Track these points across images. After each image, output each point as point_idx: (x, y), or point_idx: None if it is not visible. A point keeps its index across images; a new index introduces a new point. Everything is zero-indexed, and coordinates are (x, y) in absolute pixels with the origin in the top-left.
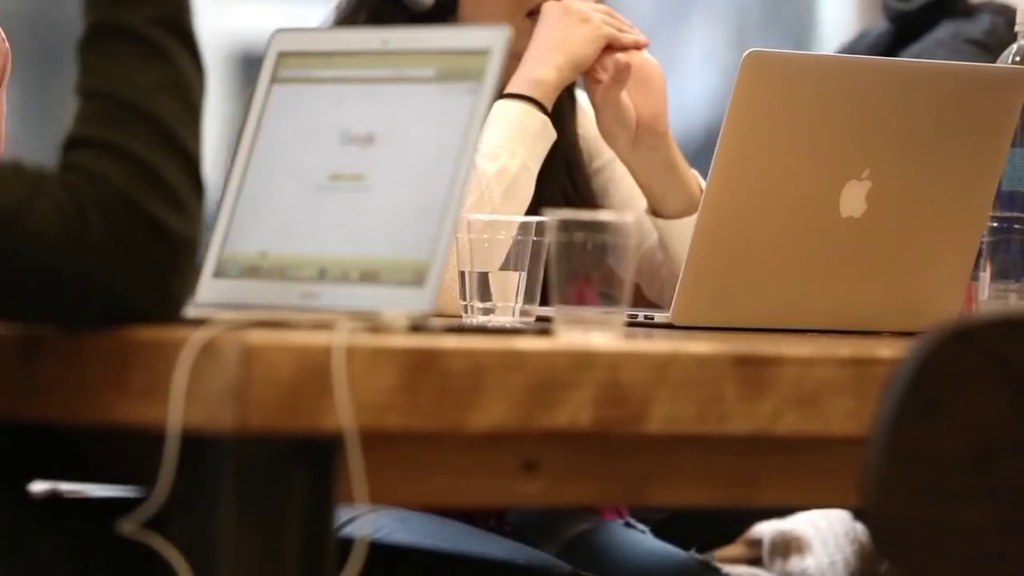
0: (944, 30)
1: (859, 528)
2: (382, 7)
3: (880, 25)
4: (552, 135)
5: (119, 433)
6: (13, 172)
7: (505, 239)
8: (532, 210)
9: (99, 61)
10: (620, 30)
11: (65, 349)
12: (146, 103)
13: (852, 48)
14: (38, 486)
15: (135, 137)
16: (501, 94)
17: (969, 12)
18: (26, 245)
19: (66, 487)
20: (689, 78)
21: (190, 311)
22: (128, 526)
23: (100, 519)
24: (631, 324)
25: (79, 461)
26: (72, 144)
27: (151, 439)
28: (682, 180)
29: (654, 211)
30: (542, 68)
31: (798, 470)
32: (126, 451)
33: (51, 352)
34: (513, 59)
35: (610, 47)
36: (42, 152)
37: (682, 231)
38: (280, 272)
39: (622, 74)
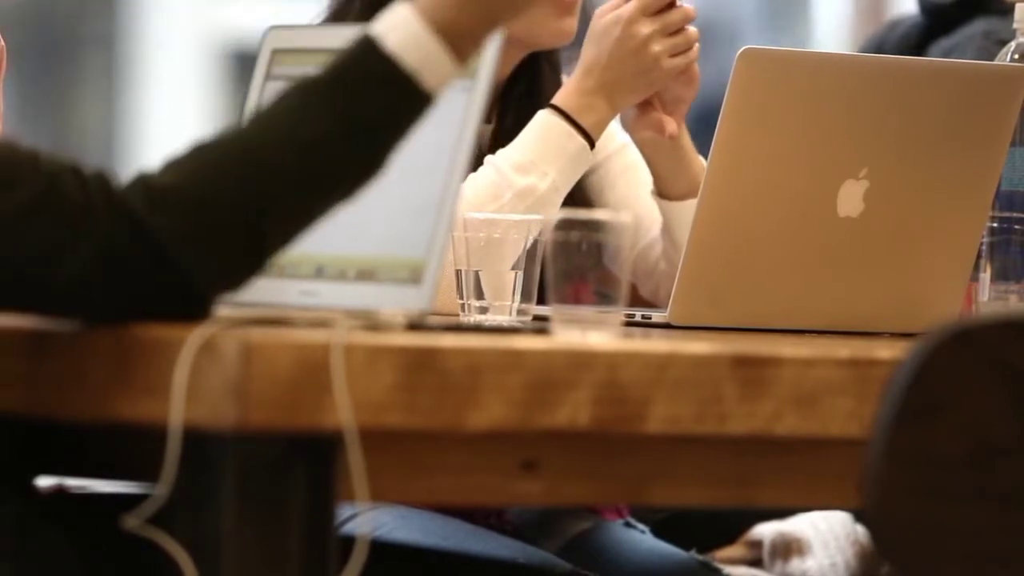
0: (977, 27)
1: (860, 529)
2: (375, 3)
3: (913, 16)
4: (588, 161)
5: (123, 429)
6: (29, 164)
7: (503, 238)
8: None
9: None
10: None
11: (68, 346)
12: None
13: (882, 38)
14: (44, 482)
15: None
16: (548, 104)
17: (1005, 11)
18: (30, 253)
19: (71, 483)
20: None
21: None
22: (132, 522)
23: (105, 515)
24: (628, 324)
25: (84, 457)
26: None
27: (154, 436)
28: (687, 160)
29: (660, 191)
30: (602, 103)
31: (798, 471)
32: (130, 447)
33: (54, 349)
34: (510, 45)
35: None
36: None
37: (687, 214)
38: (278, 270)
39: (661, 133)
